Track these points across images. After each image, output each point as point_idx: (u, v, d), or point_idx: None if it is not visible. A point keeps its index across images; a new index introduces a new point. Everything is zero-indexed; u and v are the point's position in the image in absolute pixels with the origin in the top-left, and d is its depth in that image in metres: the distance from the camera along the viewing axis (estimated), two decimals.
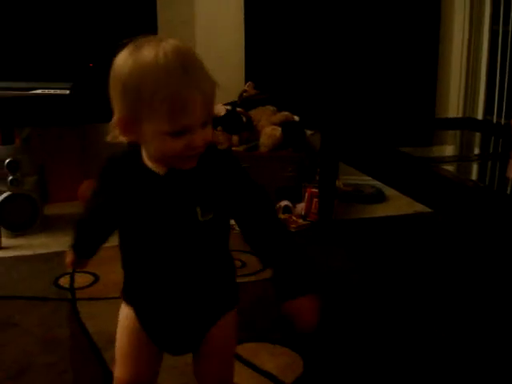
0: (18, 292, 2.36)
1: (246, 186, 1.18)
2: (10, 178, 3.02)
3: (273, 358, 1.90)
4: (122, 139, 1.11)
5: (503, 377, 1.79)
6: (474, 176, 2.42)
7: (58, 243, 2.90)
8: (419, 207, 2.96)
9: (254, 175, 1.21)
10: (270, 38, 3.76)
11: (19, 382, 1.75)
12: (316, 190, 3.20)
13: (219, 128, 3.47)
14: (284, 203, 3.30)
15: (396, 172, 2.35)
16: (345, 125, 3.01)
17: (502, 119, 3.57)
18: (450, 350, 1.95)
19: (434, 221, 3.09)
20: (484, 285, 2.42)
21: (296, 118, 3.52)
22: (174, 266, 1.17)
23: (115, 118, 1.08)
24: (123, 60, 1.05)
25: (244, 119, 3.46)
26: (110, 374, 1.43)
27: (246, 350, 1.93)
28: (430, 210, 2.30)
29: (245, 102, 3.60)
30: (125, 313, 1.26)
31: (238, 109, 3.52)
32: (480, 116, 3.75)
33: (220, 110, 3.51)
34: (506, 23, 3.56)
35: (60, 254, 2.72)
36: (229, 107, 3.52)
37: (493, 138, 2.94)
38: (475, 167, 2.50)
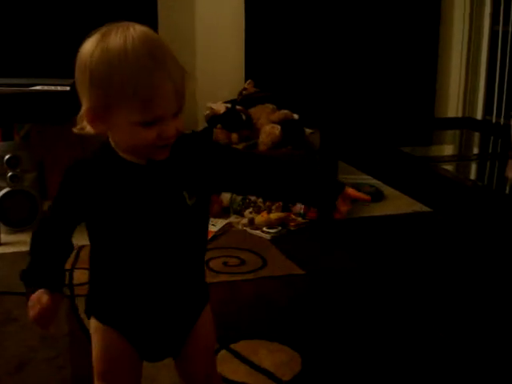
0: (18, 288, 2.33)
1: (225, 153, 1.19)
2: (10, 174, 3.02)
3: (271, 355, 1.90)
4: (90, 130, 1.07)
5: (503, 376, 1.79)
6: (473, 176, 2.43)
7: None
8: (418, 206, 2.97)
9: None
10: (269, 36, 3.76)
11: (18, 377, 1.76)
12: None
13: (219, 126, 3.47)
14: None
15: (395, 171, 2.35)
16: (344, 124, 3.02)
17: (502, 119, 3.58)
18: (449, 349, 1.96)
19: (433, 220, 3.09)
20: (483, 284, 2.43)
21: (295, 116, 3.52)
22: (162, 257, 1.14)
23: (83, 108, 1.05)
24: (91, 47, 1.02)
25: (243, 117, 3.47)
26: None
27: (244, 347, 1.94)
28: (429, 210, 2.30)
29: (244, 100, 3.60)
30: (100, 330, 1.20)
31: (238, 107, 3.52)
32: (479, 116, 3.75)
33: (220, 107, 3.51)
34: (505, 23, 3.57)
35: None
36: (228, 105, 3.52)
37: (492, 137, 2.95)
38: (474, 167, 2.50)
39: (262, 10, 3.74)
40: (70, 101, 3.07)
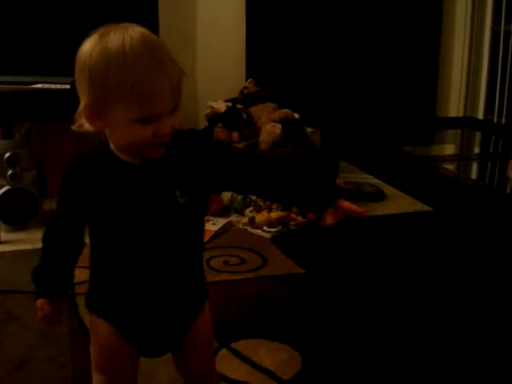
0: (18, 286, 2.36)
1: (224, 151, 1.19)
2: (10, 172, 3.02)
3: (271, 354, 1.90)
4: (88, 128, 1.09)
5: (503, 376, 1.79)
6: (474, 175, 2.43)
7: None
8: (419, 206, 2.97)
9: None
10: (271, 35, 3.76)
11: (19, 376, 1.76)
12: None
13: (219, 125, 3.47)
14: None
15: (396, 170, 2.35)
16: (345, 123, 3.01)
17: (503, 119, 3.58)
18: (450, 349, 1.96)
19: (434, 219, 3.09)
20: (485, 283, 2.43)
21: (296, 115, 3.52)
22: (158, 257, 1.15)
23: (81, 105, 1.07)
24: (90, 47, 1.04)
25: (244, 116, 3.46)
26: None
27: (244, 346, 1.94)
28: (429, 209, 2.30)
29: (245, 99, 3.60)
30: (97, 326, 1.22)
31: (239, 105, 3.52)
32: (481, 116, 3.75)
33: (220, 106, 3.51)
34: (507, 23, 3.57)
35: None
36: (229, 104, 3.52)
37: (493, 137, 2.95)
38: (475, 166, 2.50)
39: (262, 10, 3.74)
40: (71, 99, 3.07)
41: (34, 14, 3.17)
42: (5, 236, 2.93)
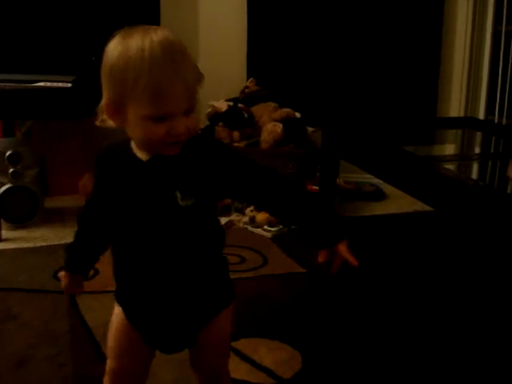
0: (18, 284, 2.36)
1: (239, 164, 1.20)
2: (11, 170, 3.03)
3: (271, 353, 1.90)
4: (111, 123, 1.13)
5: (503, 376, 1.79)
6: (474, 175, 2.43)
7: (58, 236, 2.91)
8: (419, 206, 2.97)
9: None
10: (272, 34, 3.76)
11: (19, 375, 1.76)
12: (316, 187, 3.20)
13: (221, 124, 3.47)
14: None
15: (397, 170, 2.35)
16: (346, 123, 3.01)
17: (504, 119, 3.58)
18: (450, 349, 1.96)
19: (434, 219, 3.09)
20: (484, 283, 2.43)
21: (297, 114, 3.52)
22: (161, 256, 1.17)
23: (103, 101, 1.11)
24: (114, 45, 1.09)
25: (245, 115, 3.46)
26: None
27: (244, 345, 1.94)
28: (430, 209, 2.30)
29: (246, 98, 3.60)
30: (116, 313, 1.28)
31: (240, 105, 3.52)
32: (482, 116, 3.75)
33: (221, 105, 3.51)
34: (508, 23, 3.57)
35: (60, 247, 2.73)
36: (230, 103, 3.52)
37: (494, 137, 2.95)
38: (476, 166, 2.50)
39: (264, 9, 3.74)
40: (72, 97, 3.09)
41: (37, 12, 3.17)
42: (6, 234, 2.93)
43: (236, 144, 3.43)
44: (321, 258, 1.21)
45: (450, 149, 2.93)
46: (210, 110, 3.57)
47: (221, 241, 1.26)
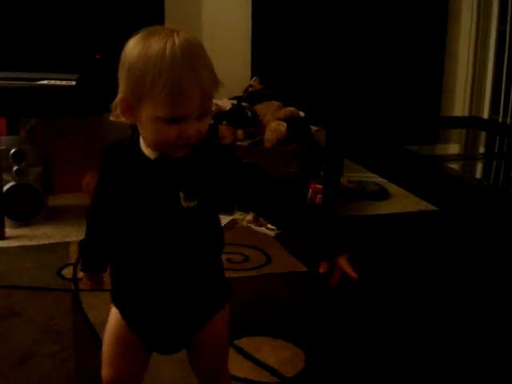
0: (22, 282, 2.36)
1: (244, 171, 1.19)
2: (15, 168, 3.03)
3: (274, 352, 1.90)
4: (124, 120, 1.13)
5: (506, 375, 1.79)
6: (479, 175, 2.42)
7: (61, 234, 2.91)
8: (423, 205, 2.97)
9: None
10: (276, 33, 3.76)
11: (22, 371, 1.76)
12: (319, 186, 3.20)
13: (224, 122, 3.47)
14: None
15: (401, 169, 2.34)
16: (350, 122, 3.01)
17: (508, 118, 3.57)
18: (453, 347, 1.95)
19: (438, 219, 3.09)
20: (488, 282, 2.42)
21: (301, 113, 3.52)
22: (159, 256, 1.16)
23: (118, 97, 1.11)
24: (134, 44, 1.09)
25: (249, 114, 3.46)
26: None
27: (247, 343, 1.94)
28: (434, 208, 2.30)
29: (250, 97, 3.60)
30: (113, 315, 1.27)
31: (244, 103, 3.52)
32: (486, 115, 3.74)
33: (225, 104, 3.51)
34: None
35: (64, 245, 2.73)
36: (234, 102, 3.52)
37: (498, 137, 2.94)
38: (480, 166, 2.50)
39: (268, 8, 3.74)
40: (76, 95, 3.09)
41: (41, 10, 3.18)
42: (9, 232, 2.93)
43: (239, 143, 3.43)
44: (321, 269, 1.22)
45: (454, 148, 2.93)
46: (213, 108, 3.57)
47: (220, 244, 1.26)
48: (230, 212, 3.20)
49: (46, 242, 2.83)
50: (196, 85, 1.06)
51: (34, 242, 2.83)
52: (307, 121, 3.50)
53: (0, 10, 3.13)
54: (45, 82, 2.86)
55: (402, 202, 3.48)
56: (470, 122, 3.22)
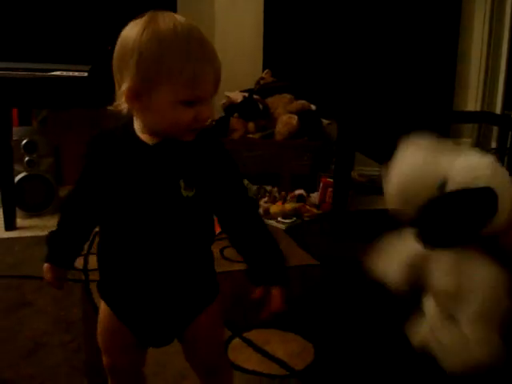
0: (32, 272, 2.37)
1: (229, 174, 1.18)
2: (27, 158, 3.05)
3: (284, 345, 1.90)
4: (123, 107, 1.10)
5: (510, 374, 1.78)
6: None
7: None
8: None
9: (269, 163, 1.21)
10: (288, 26, 3.75)
11: (32, 361, 1.77)
12: (330, 180, 3.19)
13: (235, 115, 3.47)
14: (298, 192, 3.31)
15: None
16: (362, 115, 3.00)
17: None
18: None
19: None
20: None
21: (313, 106, 3.51)
22: (153, 246, 1.14)
23: (125, 86, 1.07)
24: (138, 31, 1.06)
25: (260, 107, 3.46)
26: None
27: (257, 336, 1.94)
28: None
29: (262, 90, 3.60)
30: (103, 306, 1.25)
31: (255, 96, 3.52)
32: (498, 110, 3.72)
33: (237, 96, 3.51)
34: None
35: None
36: (246, 94, 3.52)
37: (510, 132, 2.93)
38: None
39: (281, 0, 3.73)
40: (89, 86, 3.08)
41: (54, 1, 3.18)
42: (20, 222, 2.95)
43: (250, 135, 3.43)
44: (254, 295, 1.19)
45: (465, 143, 2.91)
46: (225, 100, 3.57)
47: (211, 236, 1.24)
48: None
49: None
50: (210, 67, 1.06)
51: (45, 233, 2.80)
52: (319, 114, 3.50)
53: (14, 1, 3.14)
54: (57, 73, 2.86)
55: None
56: (483, 117, 3.21)
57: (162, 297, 1.19)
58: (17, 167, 3.01)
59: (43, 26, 3.15)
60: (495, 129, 3.01)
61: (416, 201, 0.98)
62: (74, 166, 3.55)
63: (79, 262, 2.47)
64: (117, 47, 1.10)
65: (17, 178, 3.01)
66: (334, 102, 3.62)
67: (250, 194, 2.62)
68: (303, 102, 3.50)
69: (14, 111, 3.35)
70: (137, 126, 1.14)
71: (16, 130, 3.14)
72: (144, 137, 1.13)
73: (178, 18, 1.07)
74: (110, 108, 1.15)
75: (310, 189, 3.36)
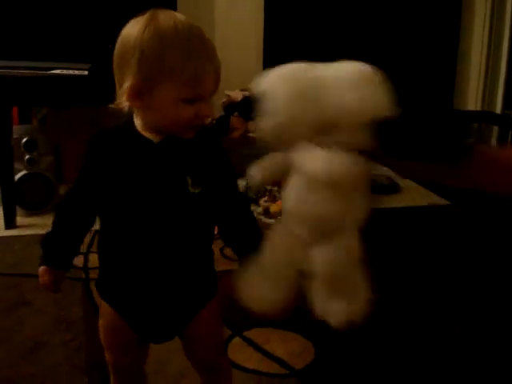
0: (33, 270, 2.35)
1: (228, 172, 1.21)
2: (27, 157, 3.04)
3: (284, 344, 1.90)
4: (124, 105, 1.10)
5: None
6: None
7: None
8: (434, 199, 2.95)
9: None
10: (289, 24, 3.75)
11: (33, 360, 1.77)
12: None
13: (235, 114, 3.46)
14: None
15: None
16: None
17: None
18: (463, 342, 1.95)
19: (449, 212, 3.08)
20: (499, 277, 2.42)
21: None
22: (157, 243, 1.15)
23: (127, 84, 1.07)
24: (140, 29, 1.06)
25: None
26: None
27: (257, 335, 1.94)
28: (444, 203, 2.29)
29: None
30: (103, 305, 1.25)
31: None
32: (499, 110, 3.72)
33: (237, 95, 3.51)
34: None
35: None
36: (246, 93, 3.51)
37: (510, 132, 2.93)
38: None
39: None
40: (89, 85, 3.08)
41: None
42: (21, 220, 2.95)
43: (251, 134, 3.42)
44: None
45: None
46: (224, 99, 3.57)
47: (213, 232, 1.25)
48: None
49: None
50: (210, 65, 1.07)
51: (45, 231, 2.83)
52: None
53: (14, 0, 3.15)
54: (57, 71, 2.86)
55: (413, 195, 3.47)
56: (483, 117, 3.21)
57: (164, 292, 1.19)
58: (17, 165, 3.00)
59: (43, 24, 3.15)
60: (495, 128, 3.01)
61: (306, 116, 0.92)
62: (74, 165, 3.53)
63: (79, 261, 2.46)
64: (117, 45, 1.10)
65: (17, 177, 3.01)
66: None
67: (250, 194, 2.63)
68: None
69: (15, 109, 3.34)
70: (138, 123, 1.14)
71: (16, 129, 3.13)
72: (147, 134, 1.13)
73: (178, 16, 1.08)
74: (111, 106, 1.14)
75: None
